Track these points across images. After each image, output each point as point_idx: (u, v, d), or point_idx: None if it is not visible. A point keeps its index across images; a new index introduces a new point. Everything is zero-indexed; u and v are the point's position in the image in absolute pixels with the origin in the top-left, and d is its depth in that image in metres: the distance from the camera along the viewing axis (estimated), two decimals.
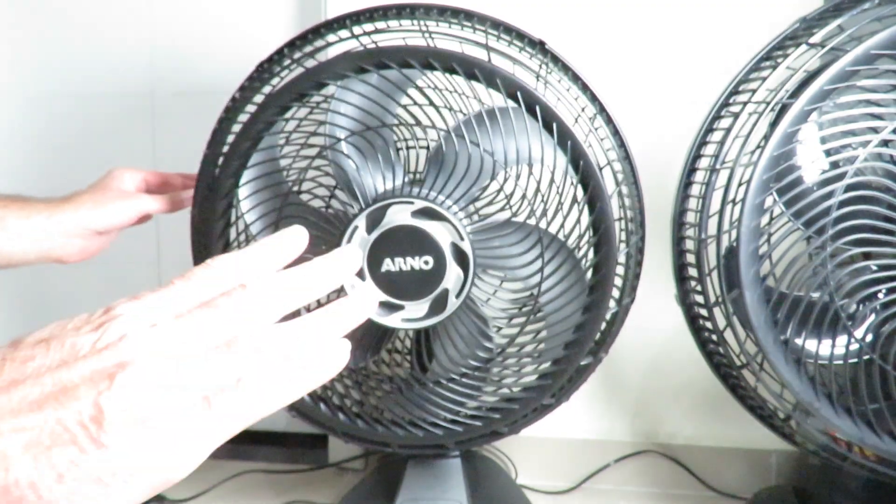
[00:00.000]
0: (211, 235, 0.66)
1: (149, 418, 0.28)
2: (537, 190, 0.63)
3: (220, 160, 0.65)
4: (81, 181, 0.74)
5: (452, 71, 0.60)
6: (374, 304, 0.36)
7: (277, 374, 0.31)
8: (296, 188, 0.68)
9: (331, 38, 0.65)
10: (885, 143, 0.56)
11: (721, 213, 0.59)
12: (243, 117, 0.64)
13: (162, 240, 1.11)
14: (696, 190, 0.65)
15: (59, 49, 1.11)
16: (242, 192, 0.66)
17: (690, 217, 0.65)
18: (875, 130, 0.55)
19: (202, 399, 0.29)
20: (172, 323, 0.31)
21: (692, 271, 0.64)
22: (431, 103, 0.63)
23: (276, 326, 0.33)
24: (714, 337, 0.64)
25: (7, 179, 1.12)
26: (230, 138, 0.64)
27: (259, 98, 0.64)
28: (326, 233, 0.65)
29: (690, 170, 0.66)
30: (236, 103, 0.66)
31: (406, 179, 0.67)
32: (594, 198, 0.61)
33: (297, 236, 0.36)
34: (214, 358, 0.30)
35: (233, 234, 0.68)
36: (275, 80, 0.65)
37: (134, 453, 0.28)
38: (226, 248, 0.68)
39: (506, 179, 0.65)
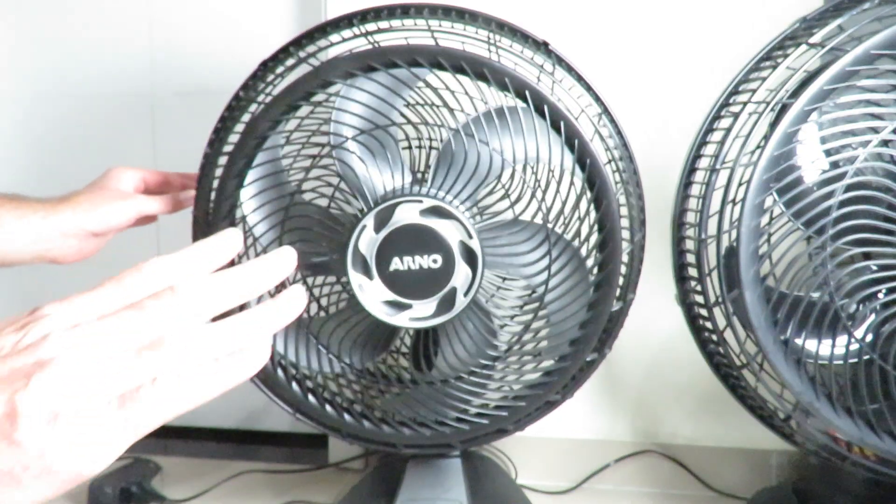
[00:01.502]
0: None
1: (62, 416, 0.29)
2: (545, 188, 0.63)
3: (224, 160, 0.65)
4: (81, 181, 0.73)
5: (461, 70, 0.60)
6: (302, 304, 0.37)
7: (194, 374, 0.32)
8: (302, 187, 0.67)
9: (334, 37, 0.65)
10: (885, 143, 0.56)
11: (721, 213, 0.59)
12: (246, 116, 0.64)
13: (162, 240, 1.10)
14: (696, 190, 0.65)
15: (59, 49, 1.12)
16: (247, 192, 0.66)
17: (690, 217, 0.65)
18: (875, 130, 0.55)
19: (117, 398, 0.30)
20: (95, 323, 0.31)
21: (692, 271, 0.64)
22: (441, 102, 0.63)
23: (199, 327, 0.33)
24: (714, 337, 0.64)
25: (7, 179, 1.12)
26: (233, 138, 0.64)
27: (262, 97, 0.64)
28: (335, 232, 0.65)
29: (690, 170, 0.67)
30: (240, 102, 0.66)
31: (411, 178, 0.67)
32: (600, 196, 0.62)
33: (231, 239, 0.37)
34: (133, 358, 0.31)
35: None
36: (278, 80, 0.65)
37: (46, 451, 0.29)
38: None
39: (512, 178, 0.65)
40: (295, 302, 0.36)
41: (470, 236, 0.62)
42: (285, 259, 0.37)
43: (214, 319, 0.34)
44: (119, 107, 1.11)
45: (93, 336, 0.31)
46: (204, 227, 0.67)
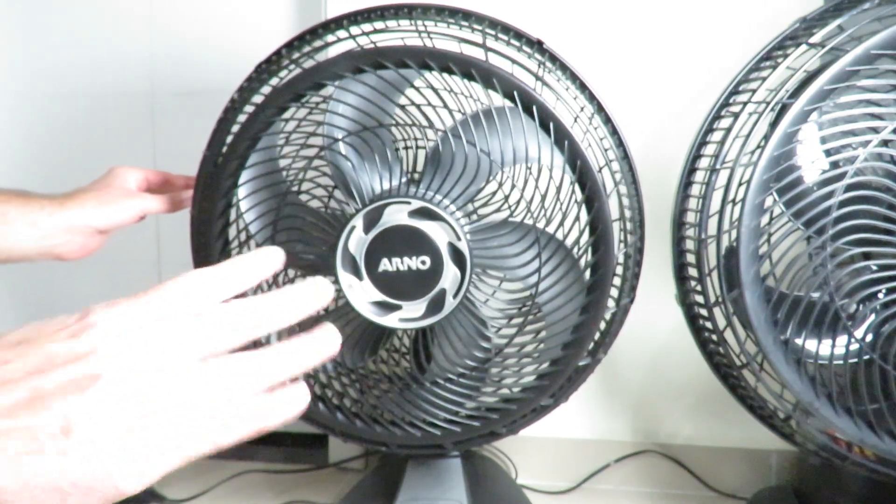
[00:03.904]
0: (210, 235, 0.66)
1: (114, 432, 0.29)
2: (535, 190, 0.63)
3: (219, 160, 0.65)
4: (81, 181, 0.74)
5: (450, 71, 0.60)
6: (337, 343, 0.36)
7: (248, 403, 0.32)
8: (294, 188, 0.68)
9: (329, 38, 0.65)
10: (885, 143, 0.56)
11: (721, 213, 0.59)
12: (242, 118, 0.64)
13: (162, 240, 1.11)
14: (696, 190, 0.65)
15: (60, 49, 1.12)
16: (241, 192, 0.66)
17: (690, 217, 0.65)
18: (875, 130, 0.55)
19: (168, 417, 0.30)
20: (145, 336, 0.31)
21: (692, 271, 0.64)
22: (429, 103, 0.63)
23: (249, 354, 0.33)
24: (714, 337, 0.64)
25: (7, 179, 1.12)
26: (229, 139, 0.64)
27: (257, 99, 0.64)
28: (324, 233, 0.65)
29: (690, 170, 0.66)
30: (235, 104, 0.66)
31: (404, 179, 0.67)
32: (592, 198, 0.61)
33: (272, 256, 0.37)
34: (184, 375, 0.31)
35: (231, 233, 0.68)
36: (273, 81, 0.65)
37: (96, 465, 0.29)
38: (224, 247, 0.68)
39: (503, 180, 0.65)
40: (333, 339, 0.36)
41: (458, 238, 0.62)
42: (322, 289, 0.37)
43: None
44: (119, 107, 1.11)
45: (143, 351, 0.31)
46: (200, 226, 0.67)
